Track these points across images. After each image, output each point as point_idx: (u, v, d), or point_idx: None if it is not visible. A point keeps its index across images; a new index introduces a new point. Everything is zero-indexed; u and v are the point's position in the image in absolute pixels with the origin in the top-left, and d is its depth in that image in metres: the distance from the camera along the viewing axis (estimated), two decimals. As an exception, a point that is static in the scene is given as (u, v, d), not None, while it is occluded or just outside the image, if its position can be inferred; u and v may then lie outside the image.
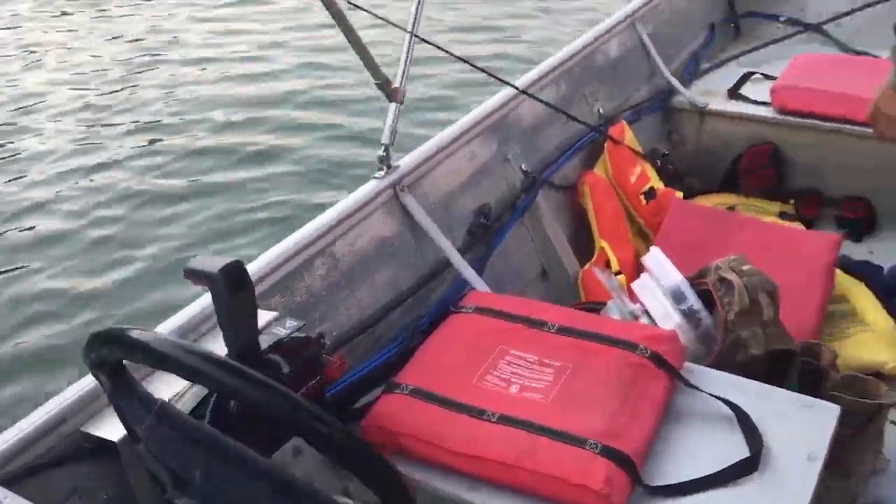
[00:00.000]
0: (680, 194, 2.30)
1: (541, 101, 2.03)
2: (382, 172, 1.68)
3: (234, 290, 1.02)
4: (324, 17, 1.64)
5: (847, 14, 3.00)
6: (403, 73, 1.73)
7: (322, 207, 1.61)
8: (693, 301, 1.60)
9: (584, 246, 2.12)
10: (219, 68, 5.43)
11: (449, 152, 1.83)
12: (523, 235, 2.01)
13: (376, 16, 1.66)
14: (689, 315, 1.60)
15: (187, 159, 4.30)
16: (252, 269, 1.35)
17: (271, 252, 1.44)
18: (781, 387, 1.34)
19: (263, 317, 1.21)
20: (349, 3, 1.60)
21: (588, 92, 2.30)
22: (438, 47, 1.81)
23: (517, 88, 1.99)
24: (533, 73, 2.13)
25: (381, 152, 1.68)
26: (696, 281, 1.66)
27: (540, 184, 2.02)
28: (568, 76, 2.23)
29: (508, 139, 2.01)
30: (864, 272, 2.12)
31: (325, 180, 4.03)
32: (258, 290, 1.27)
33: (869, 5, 2.97)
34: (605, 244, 2.07)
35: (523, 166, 2.02)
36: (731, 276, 1.61)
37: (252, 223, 3.69)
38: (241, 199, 3.89)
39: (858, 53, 2.91)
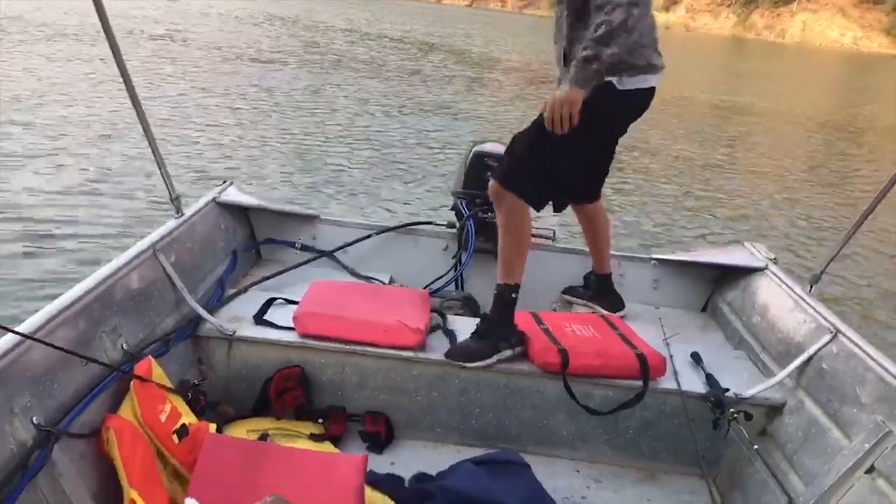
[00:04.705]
0: (213, 427, 2.25)
1: (52, 345, 1.84)
2: None
3: None
4: None
5: (352, 244, 3.40)
6: None
7: None
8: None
9: (114, 500, 1.92)
10: None
11: None
12: (37, 500, 1.74)
13: None
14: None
15: None
16: None
17: None
18: None
19: None
20: None
21: (110, 328, 2.16)
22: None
23: (20, 334, 1.79)
24: (42, 314, 1.94)
25: None
26: (234, 529, 1.62)
27: (56, 437, 1.79)
28: (86, 313, 2.07)
29: (16, 390, 1.76)
30: (389, 486, 2.29)
31: None
32: None
33: (368, 237, 3.42)
34: (135, 495, 1.89)
35: (35, 419, 1.78)
36: (270, 521, 1.60)
37: None
38: None
39: (366, 278, 3.32)
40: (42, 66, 12.62)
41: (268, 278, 3.09)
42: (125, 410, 2.06)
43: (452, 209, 3.54)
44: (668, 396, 2.58)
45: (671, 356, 2.71)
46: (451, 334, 2.71)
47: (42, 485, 1.74)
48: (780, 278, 3.02)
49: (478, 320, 2.71)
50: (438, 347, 2.66)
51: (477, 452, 2.46)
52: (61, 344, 1.90)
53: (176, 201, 2.81)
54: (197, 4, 32.30)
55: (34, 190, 6.39)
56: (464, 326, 2.77)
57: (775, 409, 2.54)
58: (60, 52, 14.39)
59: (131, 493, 1.90)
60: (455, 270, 3.35)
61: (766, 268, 3.15)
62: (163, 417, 2.11)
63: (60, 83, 11.25)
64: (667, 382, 2.60)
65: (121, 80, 2.47)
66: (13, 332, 1.78)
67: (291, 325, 2.66)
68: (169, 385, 2.23)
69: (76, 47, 15.13)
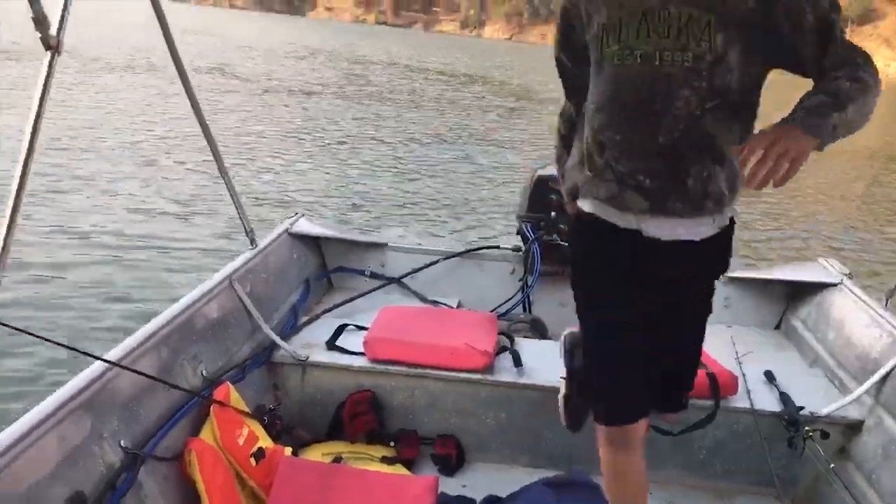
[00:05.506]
0: (289, 450, 2.32)
1: (138, 372, 1.92)
2: None
3: None
4: None
5: (420, 269, 3.45)
6: None
7: None
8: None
9: None
10: None
11: (30, 441, 1.61)
12: None
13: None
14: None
15: None
16: None
17: None
18: None
19: None
20: None
21: (190, 356, 2.26)
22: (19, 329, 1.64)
23: (109, 361, 1.87)
24: (129, 342, 2.04)
25: None
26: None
27: (142, 460, 1.87)
28: (168, 342, 2.17)
29: (105, 415, 1.85)
30: (460, 508, 2.30)
31: None
32: None
33: (436, 262, 3.47)
34: (216, 515, 1.95)
35: (122, 442, 1.86)
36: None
37: None
38: None
39: (434, 303, 3.36)
40: (108, 98, 13.14)
41: (339, 305, 3.16)
42: (206, 434, 2.14)
43: (518, 233, 3.57)
44: (740, 415, 2.54)
45: (744, 375, 2.66)
46: (518, 357, 2.72)
47: None
48: (855, 294, 2.95)
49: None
50: (506, 370, 2.68)
51: (548, 474, 2.45)
52: (146, 371, 1.99)
53: (250, 234, 2.91)
54: (241, 39, 33.26)
55: (116, 223, 6.64)
56: (531, 349, 2.79)
57: (853, 428, 2.48)
58: (126, 85, 14.95)
59: (212, 513, 1.95)
60: (522, 293, 3.37)
61: (840, 283, 3.08)
62: (241, 441, 2.18)
63: (138, 118, 11.68)
64: (739, 401, 2.55)
65: (197, 122, 2.61)
66: (102, 360, 1.87)
67: (362, 350, 2.71)
68: (246, 410, 2.30)
69: (143, 80, 15.70)
